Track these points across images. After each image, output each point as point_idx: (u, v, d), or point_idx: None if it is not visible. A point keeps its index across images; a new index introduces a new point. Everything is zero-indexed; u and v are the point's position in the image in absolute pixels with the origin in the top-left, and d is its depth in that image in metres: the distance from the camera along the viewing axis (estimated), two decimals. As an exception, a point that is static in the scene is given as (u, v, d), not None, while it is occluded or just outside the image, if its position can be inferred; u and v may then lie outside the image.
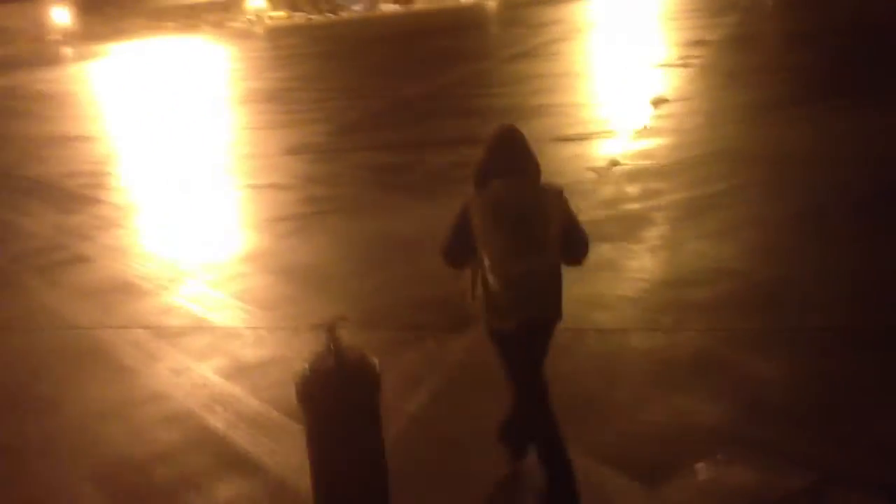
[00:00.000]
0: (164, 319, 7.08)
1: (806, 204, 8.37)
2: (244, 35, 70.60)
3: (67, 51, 67.03)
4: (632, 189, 9.66)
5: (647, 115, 13.96)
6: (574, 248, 3.96)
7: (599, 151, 11.80)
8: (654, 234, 8.08)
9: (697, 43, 24.21)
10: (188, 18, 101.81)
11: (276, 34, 66.70)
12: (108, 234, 10.28)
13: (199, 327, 6.83)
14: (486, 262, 3.79)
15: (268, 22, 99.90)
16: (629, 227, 8.28)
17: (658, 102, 14.97)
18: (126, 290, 7.98)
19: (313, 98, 21.98)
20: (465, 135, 14.37)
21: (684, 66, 19.54)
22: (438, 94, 20.10)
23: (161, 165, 14.65)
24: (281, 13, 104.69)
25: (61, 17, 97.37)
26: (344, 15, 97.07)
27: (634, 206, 9.00)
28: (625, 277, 7.04)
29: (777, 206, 8.47)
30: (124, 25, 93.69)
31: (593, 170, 10.70)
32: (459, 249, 3.93)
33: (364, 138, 15.32)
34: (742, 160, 10.42)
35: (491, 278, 3.78)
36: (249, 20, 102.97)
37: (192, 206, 11.47)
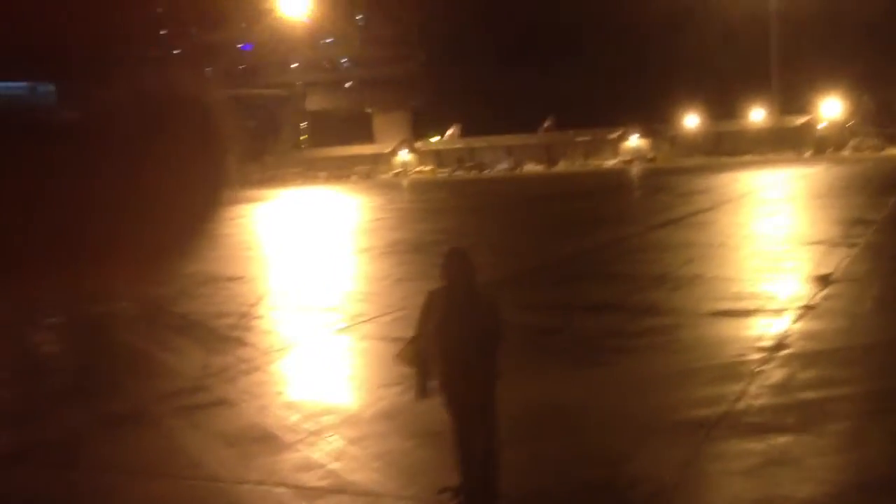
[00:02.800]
0: (303, 478, 6.74)
1: None
2: (392, 186, 73.20)
3: (227, 195, 70.77)
4: (804, 375, 8.89)
5: (812, 295, 13.16)
6: None
7: (763, 330, 11.06)
8: (836, 428, 7.30)
9: (858, 221, 23.29)
10: (339, 169, 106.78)
11: (422, 187, 68.84)
12: (251, 378, 10.18)
13: (340, 490, 6.44)
14: None
15: (414, 175, 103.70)
16: (807, 418, 7.52)
17: (822, 282, 14.16)
18: (266, 440, 7.72)
19: (459, 253, 22.06)
20: (613, 301, 13.95)
21: (847, 245, 18.65)
22: (584, 257, 19.82)
23: (308, 312, 14.73)
24: (427, 168, 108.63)
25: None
26: (488, 173, 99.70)
27: (809, 394, 8.23)
28: (809, 478, 6.28)
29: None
30: (280, 174, 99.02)
31: (760, 350, 9.97)
32: None
33: (509, 297, 14.99)
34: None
35: None
36: (397, 173, 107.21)
37: (337, 356, 11.34)
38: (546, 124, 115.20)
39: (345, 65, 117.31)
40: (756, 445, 6.84)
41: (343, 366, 10.72)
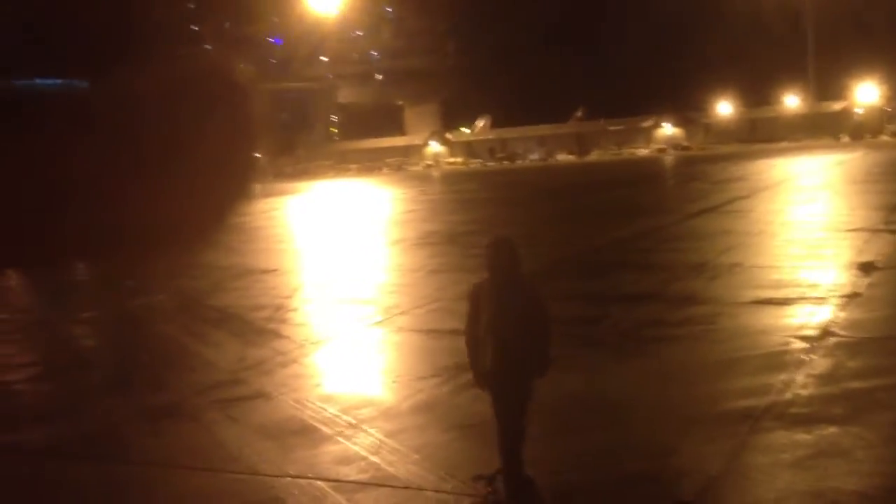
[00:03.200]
0: (342, 471, 6.68)
1: None
2: (423, 178, 73.18)
3: (257, 188, 71.27)
4: (852, 364, 8.68)
5: (856, 283, 12.88)
6: None
7: (808, 319, 10.83)
8: (886, 419, 7.10)
9: (897, 208, 22.83)
10: (370, 161, 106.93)
11: (454, 178, 68.73)
12: (288, 371, 10.16)
13: (380, 483, 6.38)
14: None
15: (445, 167, 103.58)
16: (855, 408, 7.33)
17: (866, 269, 13.87)
18: (305, 433, 7.68)
19: (493, 244, 21.96)
20: (651, 290, 13.77)
21: (889, 231, 18.28)
22: (621, 247, 19.61)
23: (343, 304, 14.69)
24: (458, 159, 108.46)
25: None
26: (519, 163, 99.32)
27: (857, 384, 8.03)
28: (858, 470, 6.11)
29: None
30: (311, 167, 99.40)
31: (804, 339, 9.76)
32: None
33: (547, 287, 14.90)
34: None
35: None
36: (428, 164, 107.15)
37: (372, 348, 11.29)
38: (577, 114, 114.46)
39: (375, 57, 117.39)
40: (804, 437, 6.68)
41: (379, 358, 10.67)
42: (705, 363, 9.12)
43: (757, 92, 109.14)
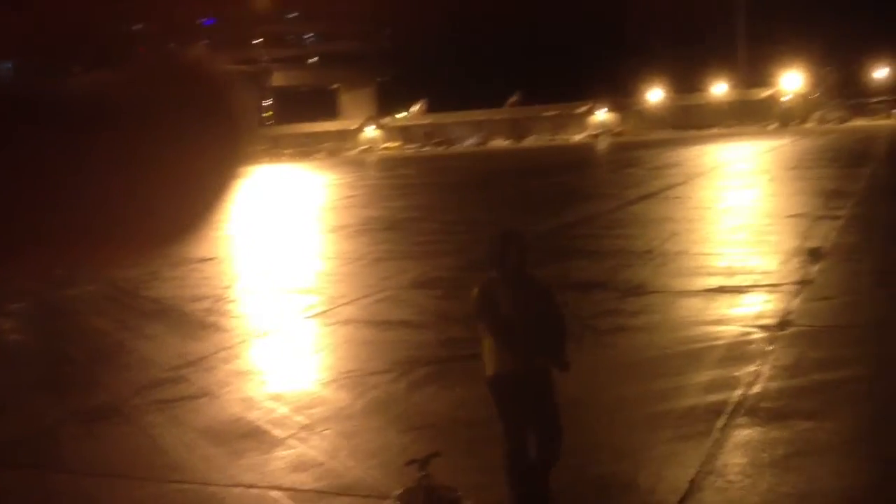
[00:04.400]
0: (298, 478, 6.24)
1: None
2: (359, 163, 72.40)
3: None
4: (815, 355, 8.52)
5: (808, 270, 12.83)
6: None
7: (764, 307, 10.70)
8: (859, 412, 6.93)
9: (836, 193, 23.10)
10: (305, 146, 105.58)
11: (391, 164, 68.11)
12: (233, 367, 9.63)
13: (341, 492, 5.96)
14: None
15: (381, 152, 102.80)
16: (828, 402, 7.14)
17: (815, 255, 13.86)
18: (255, 436, 7.21)
19: (436, 229, 21.58)
20: (602, 278, 13.55)
21: (830, 217, 18.40)
22: (565, 233, 19.39)
23: (286, 294, 14.15)
24: (394, 144, 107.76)
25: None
26: (455, 148, 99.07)
27: (825, 376, 7.85)
28: (841, 470, 5.89)
29: None
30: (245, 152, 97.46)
31: (764, 328, 9.60)
32: None
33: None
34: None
35: None
36: (364, 149, 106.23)
37: (320, 341, 10.83)
38: (512, 99, 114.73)
39: (309, 40, 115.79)
40: (780, 433, 6.46)
41: (327, 352, 10.21)
42: (666, 355, 8.88)
43: (688, 79, 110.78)
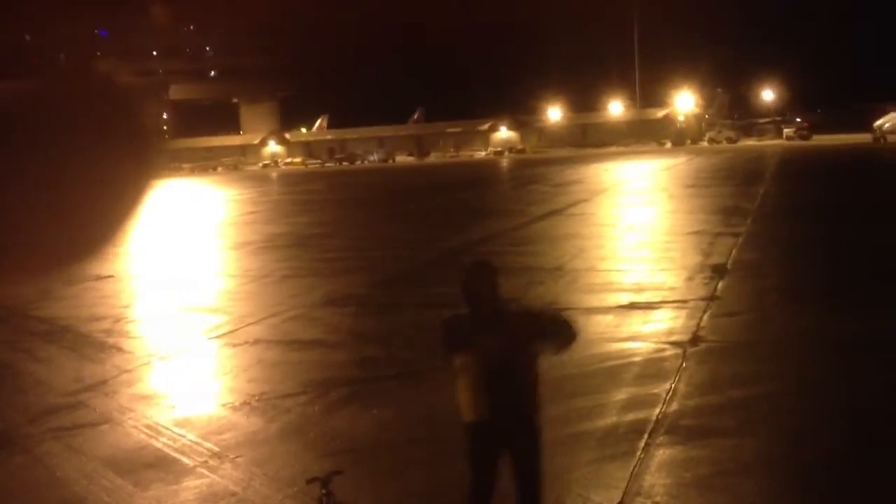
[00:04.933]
0: (212, 511, 5.91)
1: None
2: (262, 179, 71.25)
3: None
4: (728, 371, 8.61)
5: (713, 286, 13.07)
6: None
7: (674, 323, 10.81)
8: (779, 430, 6.98)
9: (734, 211, 23.79)
10: (204, 160, 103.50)
11: (294, 179, 67.27)
12: (135, 391, 9.16)
13: (256, 524, 5.66)
14: None
15: (284, 167, 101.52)
16: (746, 419, 7.19)
17: (719, 272, 14.14)
18: (162, 465, 6.82)
19: (344, 246, 21.29)
20: (513, 295, 13.47)
21: (731, 234, 18.87)
22: (474, 249, 19.32)
23: (190, 313, 13.65)
24: (297, 159, 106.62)
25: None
26: (359, 164, 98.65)
27: (740, 392, 7.91)
28: (769, 490, 5.91)
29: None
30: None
31: (676, 345, 9.67)
32: None
33: (409, 292, 14.43)
34: (833, 343, 9.45)
35: None
36: (265, 164, 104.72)
37: (227, 362, 10.41)
38: (415, 116, 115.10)
39: (209, 53, 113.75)
40: (702, 452, 6.46)
41: (237, 374, 9.80)
42: (584, 373, 8.83)
43: (586, 98, 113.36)
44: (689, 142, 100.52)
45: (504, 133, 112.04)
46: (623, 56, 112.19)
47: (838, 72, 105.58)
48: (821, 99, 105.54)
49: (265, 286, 16.05)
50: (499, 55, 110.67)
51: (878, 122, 76.49)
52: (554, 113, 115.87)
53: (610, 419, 7.28)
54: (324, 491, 5.07)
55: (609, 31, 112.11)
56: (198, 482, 6.44)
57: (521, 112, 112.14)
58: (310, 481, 5.15)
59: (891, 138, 69.87)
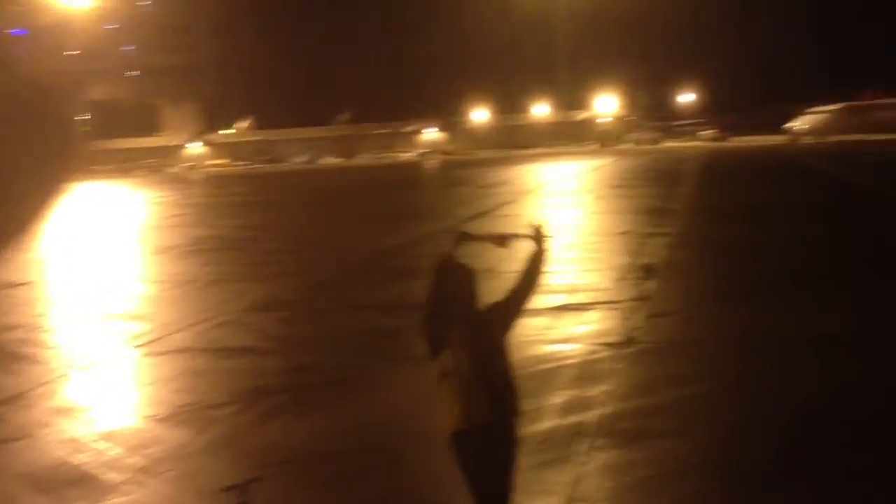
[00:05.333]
0: (139, 530, 5.64)
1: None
2: (185, 181, 69.89)
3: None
4: (662, 372, 8.63)
5: (644, 286, 13.15)
6: None
7: (607, 324, 10.84)
8: (715, 432, 6.99)
9: (661, 211, 24.09)
10: (125, 162, 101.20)
11: (219, 181, 66.17)
12: (53, 404, 8.76)
13: (187, 543, 5.42)
14: None
15: (208, 169, 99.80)
16: (682, 420, 7.19)
17: (649, 272, 14.26)
18: (84, 482, 6.51)
19: (274, 249, 20.90)
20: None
21: (659, 234, 19.08)
22: (405, 252, 19.19)
23: (111, 321, 13.18)
24: (222, 160, 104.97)
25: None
26: (285, 166, 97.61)
27: (675, 393, 7.93)
28: (708, 488, 5.90)
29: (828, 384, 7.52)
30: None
31: (610, 346, 9.68)
32: None
33: (340, 296, 14.21)
34: (765, 342, 9.58)
35: None
36: (189, 166, 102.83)
37: (152, 372, 10.06)
38: (342, 117, 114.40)
39: (129, 52, 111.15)
40: (641, 454, 6.42)
41: (162, 384, 9.46)
42: (520, 375, 8.71)
43: (511, 99, 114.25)
44: (612, 143, 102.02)
45: (430, 134, 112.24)
46: (549, 58, 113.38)
47: (755, 75, 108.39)
48: (738, 101, 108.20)
49: (191, 292, 15.64)
50: (425, 56, 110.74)
51: (790, 124, 79.06)
52: (480, 114, 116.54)
53: (547, 423, 7.21)
54: (241, 500, 4.92)
55: (536, 33, 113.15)
56: (123, 499, 6.16)
57: (448, 114, 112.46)
58: (227, 489, 4.98)
59: (803, 140, 72.05)
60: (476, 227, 3.29)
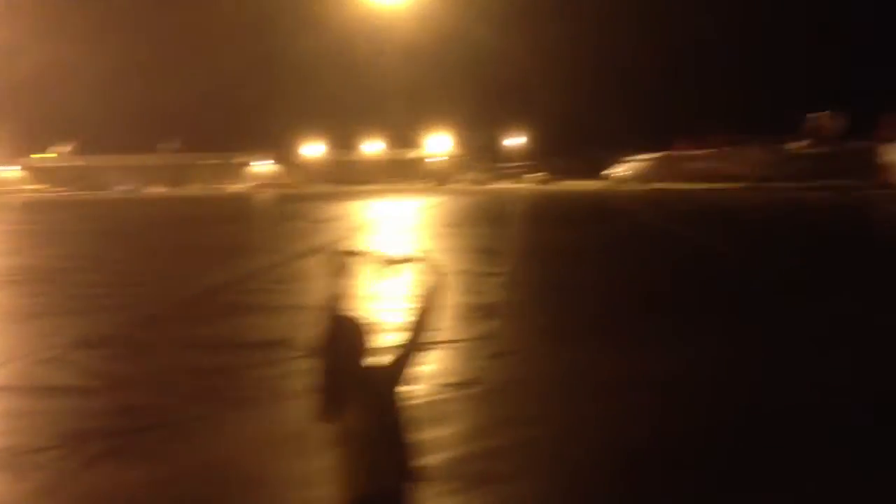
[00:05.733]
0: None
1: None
2: (-4, 206, 65.57)
3: None
4: (505, 413, 8.74)
5: (485, 325, 13.34)
6: None
7: (448, 364, 10.89)
8: (561, 472, 7.14)
9: (492, 252, 24.62)
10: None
11: (36, 208, 62.53)
12: None
13: None
14: None
15: (25, 194, 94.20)
16: (524, 462, 7.30)
17: (489, 311, 14.50)
18: None
19: (98, 281, 19.82)
20: (285, 336, 13.08)
21: (494, 274, 19.48)
22: (238, 287, 18.69)
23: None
24: (40, 186, 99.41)
25: None
26: (109, 194, 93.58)
27: (518, 434, 8.05)
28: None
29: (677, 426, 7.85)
30: None
31: (454, 386, 9.73)
32: None
33: (172, 332, 13.61)
34: (606, 382, 9.92)
35: None
36: (7, 191, 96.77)
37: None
38: (170, 145, 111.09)
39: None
40: (485, 500, 6.47)
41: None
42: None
43: (344, 136, 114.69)
44: (443, 182, 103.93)
45: (261, 167, 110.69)
46: (385, 96, 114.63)
47: (578, 123, 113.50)
48: (563, 147, 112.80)
49: (8, 326, 14.60)
50: (262, 87, 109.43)
51: (609, 171, 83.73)
52: (311, 149, 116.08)
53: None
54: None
55: (371, 71, 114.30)
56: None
57: (283, 147, 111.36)
58: None
59: (624, 185, 76.23)
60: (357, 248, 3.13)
